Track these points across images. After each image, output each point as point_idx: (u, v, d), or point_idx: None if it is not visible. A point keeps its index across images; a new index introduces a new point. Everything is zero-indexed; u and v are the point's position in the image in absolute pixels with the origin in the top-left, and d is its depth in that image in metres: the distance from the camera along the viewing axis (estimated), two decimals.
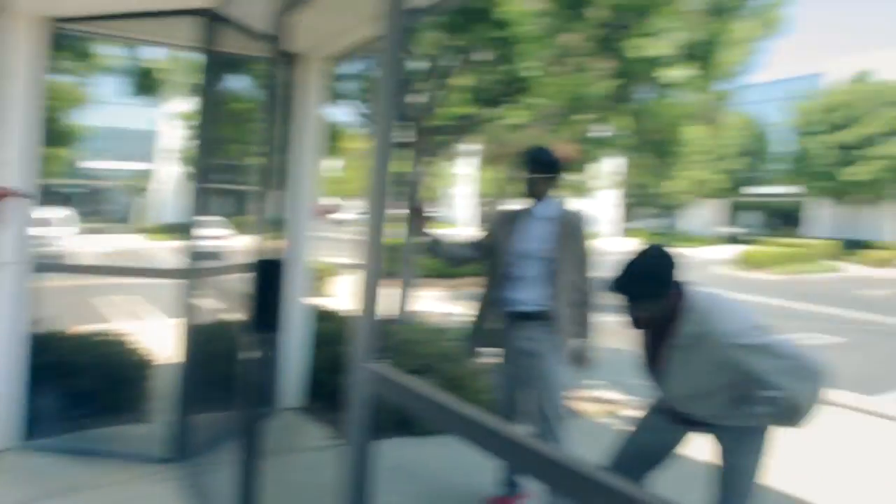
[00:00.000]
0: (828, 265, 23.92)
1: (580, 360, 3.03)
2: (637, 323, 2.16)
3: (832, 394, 5.88)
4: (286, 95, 4.26)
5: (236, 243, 8.74)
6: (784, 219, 36.28)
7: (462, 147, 19.82)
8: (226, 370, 3.78)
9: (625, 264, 2.08)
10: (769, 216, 37.51)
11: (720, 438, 2.25)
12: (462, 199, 52.30)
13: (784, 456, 2.25)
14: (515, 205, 3.20)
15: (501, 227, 3.16)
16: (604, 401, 5.37)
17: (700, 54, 4.85)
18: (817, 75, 32.23)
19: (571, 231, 2.98)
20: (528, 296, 2.98)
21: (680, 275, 2.10)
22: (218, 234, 8.20)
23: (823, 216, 31.92)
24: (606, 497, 0.95)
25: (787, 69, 35.77)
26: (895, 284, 18.44)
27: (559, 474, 1.04)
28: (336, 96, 7.70)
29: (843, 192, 28.20)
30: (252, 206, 2.61)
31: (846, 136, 27.16)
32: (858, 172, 26.78)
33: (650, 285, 2.06)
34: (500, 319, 3.08)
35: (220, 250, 8.78)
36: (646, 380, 2.33)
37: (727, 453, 2.24)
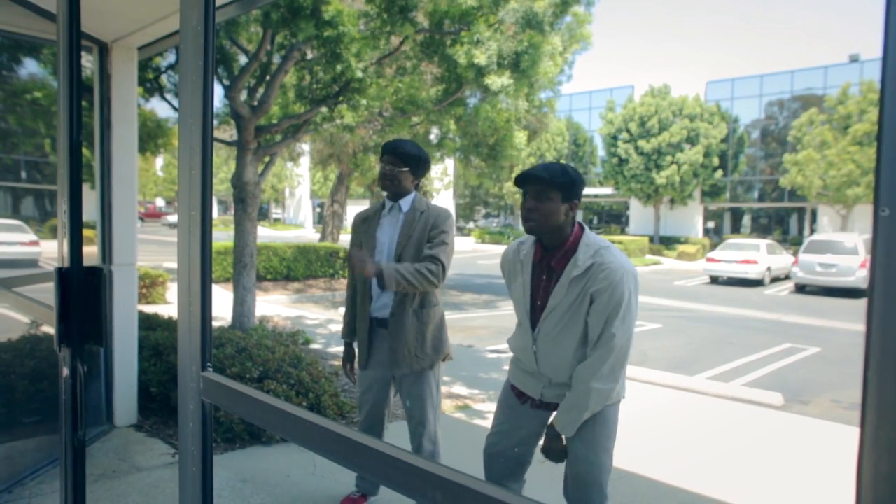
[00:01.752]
0: (651, 259, 26.73)
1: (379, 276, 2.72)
2: (531, 214, 2.15)
3: (655, 374, 6.72)
4: (102, 87, 3.94)
5: (40, 249, 7.83)
6: (611, 218, 40.01)
7: (300, 147, 19.44)
8: (46, 390, 3.46)
9: (540, 163, 2.19)
10: (597, 215, 41.11)
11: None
12: (304, 200, 51.21)
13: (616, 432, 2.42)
14: (370, 204, 3.08)
15: (358, 228, 3.02)
16: (456, 396, 5.57)
17: (518, 64, 5.21)
18: (630, 87, 35.81)
19: (423, 224, 2.83)
20: (382, 300, 2.87)
21: (579, 195, 2.19)
22: (16, 238, 7.29)
23: (640, 215, 35.55)
24: (443, 491, 0.97)
25: (605, 80, 39.26)
26: (703, 275, 21.03)
27: (398, 473, 1.05)
28: (158, 90, 7.22)
29: (654, 194, 31.63)
30: (57, 207, 2.38)
31: (653, 143, 30.52)
32: (665, 176, 30.21)
33: (564, 174, 2.12)
34: (364, 326, 2.94)
35: (22, 257, 7.81)
36: (522, 324, 2.34)
37: (574, 442, 2.31)
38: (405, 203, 2.90)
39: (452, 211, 43.34)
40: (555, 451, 2.30)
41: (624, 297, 2.09)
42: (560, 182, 2.11)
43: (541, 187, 2.12)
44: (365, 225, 2.99)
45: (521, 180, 2.15)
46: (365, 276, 2.74)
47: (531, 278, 2.28)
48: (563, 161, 36.89)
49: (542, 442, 2.38)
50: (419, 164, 2.87)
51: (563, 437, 2.28)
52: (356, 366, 3.08)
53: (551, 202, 2.12)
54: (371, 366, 2.95)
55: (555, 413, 2.33)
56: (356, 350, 3.06)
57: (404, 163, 2.83)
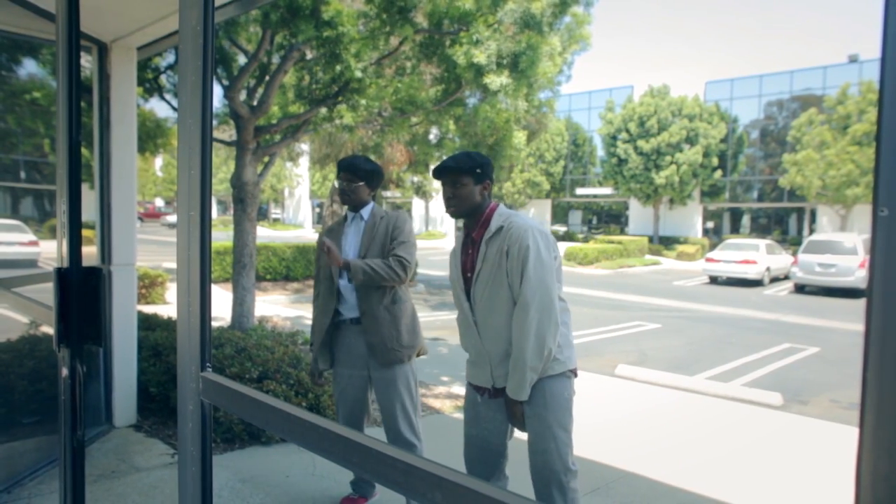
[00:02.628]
0: (651, 259, 26.75)
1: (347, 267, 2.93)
2: (451, 201, 2.42)
3: (654, 374, 6.72)
4: (101, 87, 3.94)
5: (39, 249, 7.83)
6: (610, 218, 40.03)
7: (299, 147, 19.45)
8: (45, 390, 3.46)
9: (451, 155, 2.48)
10: (596, 215, 41.13)
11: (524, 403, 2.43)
12: (304, 200, 51.21)
13: (615, 432, 2.45)
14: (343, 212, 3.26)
15: (328, 236, 3.16)
16: (456, 396, 5.57)
17: (517, 64, 5.21)
18: (630, 87, 35.82)
19: (384, 229, 3.02)
20: (350, 302, 3.01)
21: (489, 175, 2.47)
22: (15, 238, 7.29)
23: (640, 215, 35.56)
24: (443, 491, 0.97)
25: (604, 81, 39.26)
26: (702, 275, 21.05)
27: (398, 473, 1.05)
28: (157, 90, 7.22)
29: (653, 194, 31.64)
30: (56, 207, 2.37)
31: (652, 143, 30.52)
32: (664, 176, 30.21)
33: (470, 160, 2.41)
34: (331, 327, 3.07)
35: (22, 257, 7.81)
36: (461, 302, 2.50)
37: (529, 420, 2.41)
38: (365, 212, 3.11)
39: None
40: (515, 417, 2.43)
41: (531, 249, 2.29)
42: (468, 167, 2.40)
43: (454, 176, 2.40)
44: (331, 237, 3.14)
45: (436, 173, 2.44)
46: (335, 265, 2.93)
47: (461, 255, 2.52)
48: (562, 161, 37.10)
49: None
50: (373, 176, 3.09)
51: (520, 402, 2.39)
52: (324, 372, 3.21)
53: (465, 187, 2.41)
54: (345, 364, 3.06)
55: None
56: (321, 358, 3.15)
57: (359, 178, 3.05)
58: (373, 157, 14.55)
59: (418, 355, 3.10)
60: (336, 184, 3.11)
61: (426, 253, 24.98)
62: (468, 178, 2.40)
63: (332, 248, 2.86)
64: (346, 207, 3.15)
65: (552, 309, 2.29)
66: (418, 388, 3.11)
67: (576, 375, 2.47)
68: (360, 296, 2.96)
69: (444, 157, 2.63)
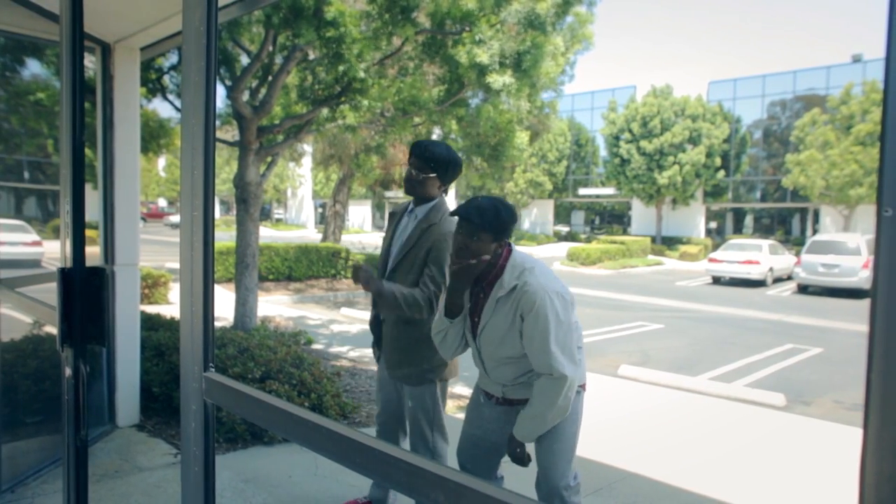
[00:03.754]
0: (653, 260, 26.73)
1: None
2: (461, 252, 2.19)
3: (657, 375, 6.71)
4: (105, 87, 3.94)
5: (43, 249, 7.85)
6: (613, 218, 39.98)
7: (301, 148, 19.47)
8: (48, 390, 3.48)
9: (472, 202, 2.21)
10: (599, 216, 41.07)
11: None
12: (306, 200, 51.26)
13: (617, 433, 2.45)
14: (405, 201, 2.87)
15: (388, 226, 2.91)
16: (456, 396, 5.57)
17: (520, 63, 5.21)
18: (633, 87, 35.78)
19: (428, 240, 2.65)
20: None
21: (510, 233, 2.28)
22: (19, 239, 7.31)
23: (642, 215, 35.52)
24: (445, 491, 0.97)
25: (607, 81, 39.19)
26: (705, 275, 21.02)
27: (400, 473, 1.05)
28: (160, 90, 7.23)
29: (656, 194, 31.60)
30: (59, 207, 2.37)
31: (655, 143, 30.49)
32: (667, 176, 30.17)
33: (489, 216, 2.17)
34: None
35: (25, 257, 7.83)
36: (470, 339, 2.41)
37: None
38: (421, 210, 2.73)
39: None
40: (518, 457, 2.37)
41: (550, 319, 2.13)
42: (491, 225, 2.17)
43: (473, 228, 2.17)
44: (391, 222, 2.89)
45: (458, 217, 2.21)
46: (365, 290, 2.67)
47: (472, 294, 2.34)
48: (565, 161, 37.06)
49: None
50: (448, 168, 2.66)
51: (520, 446, 2.35)
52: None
53: (481, 242, 2.18)
54: (381, 363, 2.92)
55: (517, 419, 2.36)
56: None
57: (431, 168, 2.63)
58: (375, 158, 14.56)
59: (440, 380, 2.77)
60: (408, 168, 2.66)
61: None
62: (487, 235, 2.18)
63: (364, 271, 2.59)
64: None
65: (576, 373, 2.21)
66: (440, 412, 2.80)
67: (584, 390, 2.44)
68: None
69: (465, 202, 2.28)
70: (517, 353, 2.26)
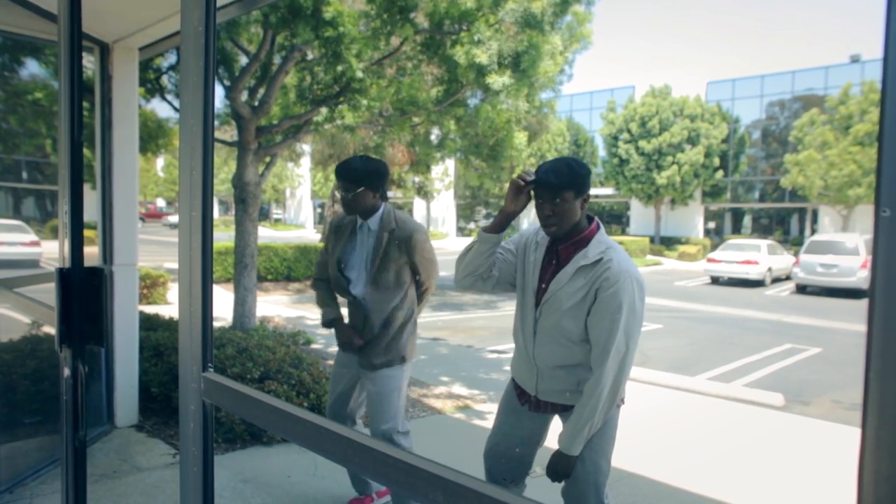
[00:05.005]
0: (652, 260, 26.75)
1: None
2: (551, 219, 2.14)
3: (656, 375, 6.71)
4: (103, 87, 3.94)
5: (41, 249, 7.85)
6: (611, 218, 39.97)
7: (300, 148, 19.47)
8: (47, 390, 3.47)
9: (548, 164, 2.16)
10: (598, 216, 40.97)
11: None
12: (305, 200, 51.24)
13: (617, 433, 2.43)
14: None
15: (329, 239, 3.01)
16: (456, 396, 5.56)
17: (518, 63, 5.21)
18: (631, 87, 35.78)
19: (398, 244, 2.79)
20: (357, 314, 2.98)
21: (589, 187, 2.21)
22: (17, 239, 7.31)
23: (641, 215, 35.54)
24: (445, 491, 0.97)
25: (605, 81, 39.17)
26: (704, 275, 21.03)
27: (400, 473, 1.05)
28: (159, 90, 7.23)
29: (654, 194, 31.61)
30: (58, 207, 2.37)
31: (654, 143, 30.50)
32: (666, 176, 30.19)
33: (571, 173, 2.11)
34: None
35: (23, 257, 7.82)
36: (524, 304, 2.30)
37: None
38: (373, 222, 2.81)
39: (453, 212, 43.24)
40: (561, 473, 2.26)
41: (624, 302, 2.07)
42: (570, 181, 2.11)
43: (554, 191, 2.11)
44: (336, 237, 2.94)
45: (536, 188, 2.15)
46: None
47: (542, 260, 2.27)
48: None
49: (547, 460, 2.32)
50: (374, 178, 2.75)
51: (568, 462, 2.25)
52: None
53: (566, 203, 2.12)
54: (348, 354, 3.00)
55: (559, 432, 2.28)
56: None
57: (357, 182, 2.72)
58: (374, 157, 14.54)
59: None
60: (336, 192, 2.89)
61: None
62: (570, 193, 2.12)
63: (354, 338, 2.82)
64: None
65: (631, 363, 2.15)
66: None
67: (623, 403, 2.35)
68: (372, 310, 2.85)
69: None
70: (575, 335, 2.17)
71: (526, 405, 2.39)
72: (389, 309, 2.82)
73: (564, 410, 2.31)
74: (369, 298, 2.82)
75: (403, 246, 2.78)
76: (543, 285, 2.24)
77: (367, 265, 2.82)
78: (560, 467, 2.24)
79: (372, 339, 2.85)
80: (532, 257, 2.29)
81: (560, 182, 2.10)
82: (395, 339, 2.87)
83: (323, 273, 3.04)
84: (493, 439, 2.49)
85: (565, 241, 2.22)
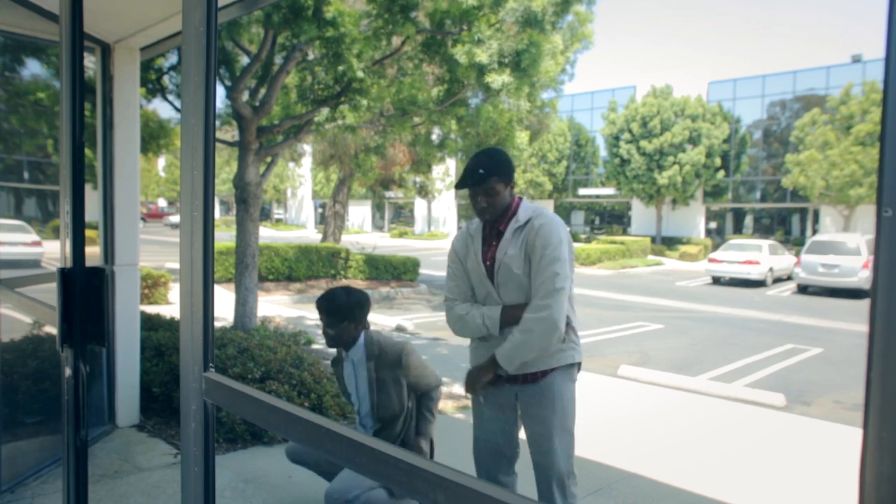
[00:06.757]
0: (653, 260, 26.74)
1: None
2: (483, 212, 2.39)
3: (657, 375, 6.71)
4: (105, 87, 3.95)
5: (43, 249, 7.85)
6: (612, 218, 39.96)
7: (301, 148, 19.47)
8: (48, 390, 3.47)
9: (473, 157, 2.41)
10: (599, 216, 41.05)
11: (526, 397, 2.43)
12: (306, 200, 51.26)
13: (617, 433, 2.46)
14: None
15: (336, 370, 3.07)
16: (456, 396, 5.56)
17: (519, 62, 5.21)
18: (633, 87, 35.75)
19: (388, 362, 2.86)
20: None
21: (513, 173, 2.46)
22: (19, 239, 7.31)
23: (642, 215, 35.52)
24: (445, 492, 0.97)
25: (607, 81, 39.12)
26: (705, 276, 21.02)
27: (401, 473, 1.05)
28: (160, 91, 7.23)
29: (656, 194, 31.59)
30: (59, 207, 2.37)
31: (655, 143, 30.48)
32: (667, 176, 30.17)
33: (493, 163, 2.35)
34: None
35: (25, 257, 7.83)
36: (480, 291, 2.47)
37: (531, 423, 2.41)
38: (355, 352, 2.85)
39: (454, 212, 43.12)
40: (477, 379, 2.43)
41: (553, 237, 2.31)
42: (498, 171, 2.35)
43: (486, 185, 2.34)
44: (335, 365, 3.00)
45: (465, 184, 2.38)
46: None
47: (482, 246, 2.47)
48: (565, 161, 37.07)
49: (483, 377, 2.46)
50: (356, 311, 2.80)
51: (494, 369, 2.39)
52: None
53: (496, 193, 2.36)
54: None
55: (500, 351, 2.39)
56: None
57: (341, 318, 2.77)
58: (375, 158, 14.56)
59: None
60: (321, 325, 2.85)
61: (429, 253, 24.97)
62: (499, 183, 2.36)
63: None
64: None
65: (564, 299, 2.30)
66: None
67: (579, 370, 2.47)
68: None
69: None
70: (527, 291, 2.34)
71: (497, 382, 2.47)
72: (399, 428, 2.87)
73: (534, 379, 2.42)
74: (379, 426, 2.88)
75: (396, 370, 2.82)
76: (488, 262, 2.44)
77: (369, 398, 2.84)
78: (481, 371, 2.42)
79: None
80: (472, 251, 2.50)
81: (488, 172, 2.34)
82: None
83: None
84: (476, 433, 2.61)
85: (499, 219, 2.44)
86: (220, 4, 2.77)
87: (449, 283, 2.56)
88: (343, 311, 2.77)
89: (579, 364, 2.46)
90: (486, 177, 2.34)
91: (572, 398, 2.42)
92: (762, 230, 34.34)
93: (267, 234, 36.87)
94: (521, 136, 7.35)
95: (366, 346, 2.84)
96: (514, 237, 2.37)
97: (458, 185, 2.42)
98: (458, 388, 5.82)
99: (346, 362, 2.89)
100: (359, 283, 14.19)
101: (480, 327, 2.41)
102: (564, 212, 40.92)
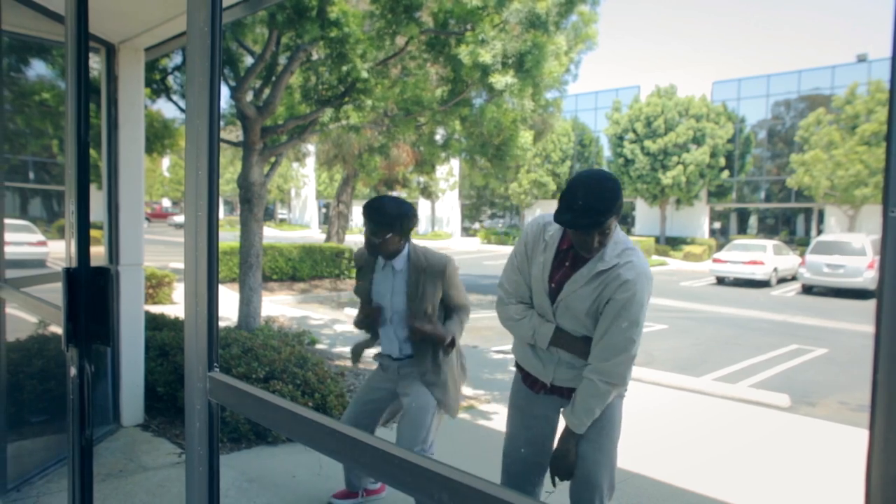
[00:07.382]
0: (657, 260, 26.70)
1: None
2: (594, 252, 2.14)
3: (661, 375, 6.69)
4: (109, 88, 3.96)
5: (48, 249, 7.87)
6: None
7: (305, 148, 19.51)
8: (53, 389, 3.48)
9: (584, 188, 2.05)
10: None
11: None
12: (310, 200, 51.33)
13: (622, 433, 2.45)
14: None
15: (360, 273, 3.08)
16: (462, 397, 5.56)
17: (522, 63, 5.21)
18: (636, 87, 35.69)
19: (430, 279, 2.85)
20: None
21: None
22: (24, 239, 7.35)
23: (646, 216, 35.45)
24: (450, 491, 0.97)
25: (610, 81, 39.03)
26: (709, 276, 20.97)
27: (405, 473, 1.05)
28: (165, 91, 7.25)
29: (660, 194, 31.53)
30: (64, 207, 2.38)
31: (659, 143, 30.42)
32: (671, 176, 30.11)
33: (610, 203, 2.06)
34: None
35: (30, 257, 7.86)
36: (539, 307, 2.32)
37: (580, 442, 2.34)
38: (398, 262, 2.84)
39: (458, 212, 43.10)
40: (570, 454, 2.29)
41: (636, 302, 2.11)
42: (616, 210, 2.09)
43: (604, 226, 2.08)
44: (364, 271, 2.99)
45: (579, 225, 2.06)
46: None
47: (552, 261, 2.26)
48: (569, 161, 37.00)
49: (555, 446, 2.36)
50: (403, 222, 2.76)
51: (574, 443, 2.28)
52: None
53: (611, 231, 2.14)
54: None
55: (564, 411, 2.31)
56: None
57: (388, 228, 2.73)
58: (379, 158, 14.56)
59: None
60: (364, 230, 2.81)
61: None
62: (613, 219, 2.10)
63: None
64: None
65: (636, 349, 2.19)
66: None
67: (625, 394, 2.39)
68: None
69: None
70: (590, 332, 2.20)
71: (542, 391, 2.40)
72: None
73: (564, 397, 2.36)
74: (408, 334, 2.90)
75: (435, 276, 2.83)
76: (553, 285, 2.24)
77: (405, 306, 2.85)
78: (566, 449, 2.28)
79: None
80: (541, 258, 2.27)
81: (607, 210, 2.05)
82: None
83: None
84: (509, 441, 2.50)
85: None
86: (224, 5, 2.78)
87: (509, 276, 2.36)
88: (392, 222, 2.72)
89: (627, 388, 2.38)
90: (606, 218, 2.04)
91: (621, 416, 2.38)
92: (767, 230, 34.23)
93: (271, 234, 36.94)
94: (525, 136, 7.36)
95: (411, 256, 2.84)
96: (593, 278, 2.15)
97: (570, 225, 2.07)
98: (463, 389, 5.81)
99: (384, 270, 2.87)
100: None
101: (529, 338, 2.31)
102: None
